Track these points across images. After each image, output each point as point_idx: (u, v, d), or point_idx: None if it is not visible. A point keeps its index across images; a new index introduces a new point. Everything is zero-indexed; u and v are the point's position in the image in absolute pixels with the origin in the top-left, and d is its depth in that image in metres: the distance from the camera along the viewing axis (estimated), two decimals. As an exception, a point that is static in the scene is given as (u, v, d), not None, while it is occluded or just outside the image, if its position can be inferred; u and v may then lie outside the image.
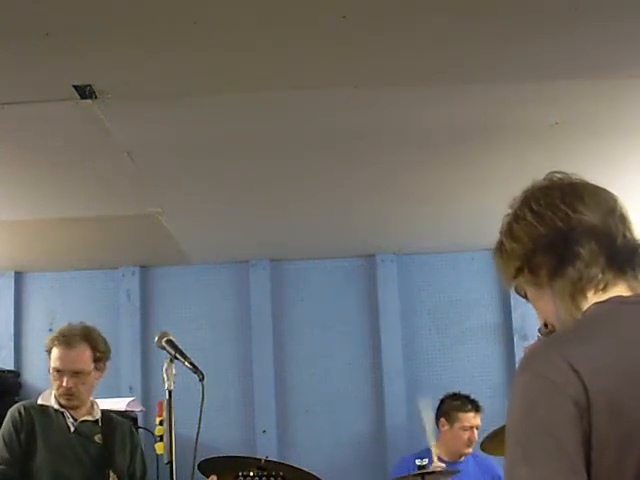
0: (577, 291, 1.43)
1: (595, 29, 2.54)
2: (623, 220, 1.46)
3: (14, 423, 3.22)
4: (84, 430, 3.29)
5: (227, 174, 3.80)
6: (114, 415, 3.54)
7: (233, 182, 3.92)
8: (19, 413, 3.24)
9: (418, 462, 3.77)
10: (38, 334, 5.21)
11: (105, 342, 3.39)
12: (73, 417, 3.29)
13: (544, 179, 1.55)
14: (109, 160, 3.50)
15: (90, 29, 2.42)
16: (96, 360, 3.31)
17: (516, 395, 1.33)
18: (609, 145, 3.48)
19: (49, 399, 3.31)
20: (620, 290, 1.42)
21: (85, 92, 2.80)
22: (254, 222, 4.57)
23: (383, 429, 5.08)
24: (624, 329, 1.36)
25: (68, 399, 3.26)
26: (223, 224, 4.61)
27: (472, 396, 4.55)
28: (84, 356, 3.27)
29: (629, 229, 1.46)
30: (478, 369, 5.14)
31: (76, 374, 3.24)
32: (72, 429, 3.27)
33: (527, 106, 3.12)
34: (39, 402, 3.33)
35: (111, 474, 3.23)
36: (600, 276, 1.41)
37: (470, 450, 4.44)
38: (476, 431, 4.45)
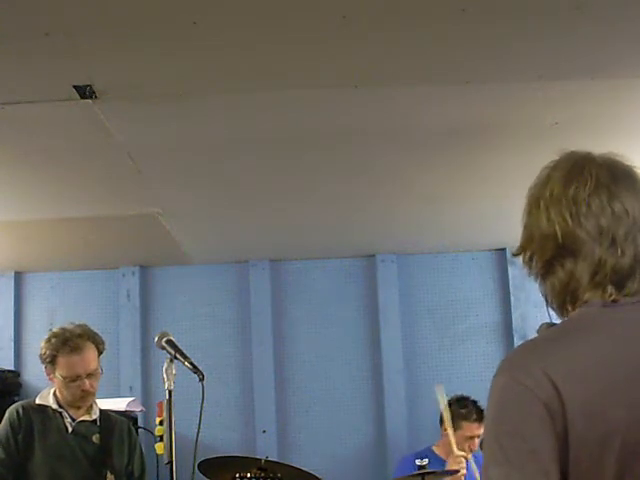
0: (558, 301, 1.46)
1: (595, 29, 2.54)
2: (638, 236, 1.42)
3: (12, 423, 3.22)
4: (82, 430, 3.29)
5: (227, 174, 3.80)
6: (113, 414, 3.54)
7: (233, 182, 3.92)
8: (17, 413, 3.25)
9: (418, 462, 3.78)
10: (38, 334, 5.20)
11: (102, 340, 3.40)
12: (71, 417, 3.29)
13: (580, 157, 1.51)
14: (109, 160, 3.50)
15: (90, 29, 2.42)
16: (99, 355, 3.34)
17: (491, 398, 1.36)
18: (609, 145, 3.47)
19: (47, 399, 3.31)
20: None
21: (85, 92, 2.80)
22: (254, 222, 4.57)
23: (383, 429, 5.08)
24: (603, 332, 1.37)
25: (87, 400, 3.28)
26: (223, 224, 4.61)
27: (478, 402, 4.52)
28: (93, 356, 3.29)
29: (638, 244, 1.41)
30: (478, 369, 5.13)
31: (90, 375, 3.26)
32: (70, 429, 3.27)
33: (527, 106, 3.12)
34: (37, 402, 3.32)
35: (108, 474, 3.23)
36: (580, 292, 1.41)
37: (469, 457, 4.43)
38: (477, 440, 4.44)
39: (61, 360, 3.23)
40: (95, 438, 3.30)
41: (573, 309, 1.44)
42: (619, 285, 1.40)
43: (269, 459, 3.65)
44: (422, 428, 4.77)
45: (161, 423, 2.67)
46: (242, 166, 3.69)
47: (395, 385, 5.10)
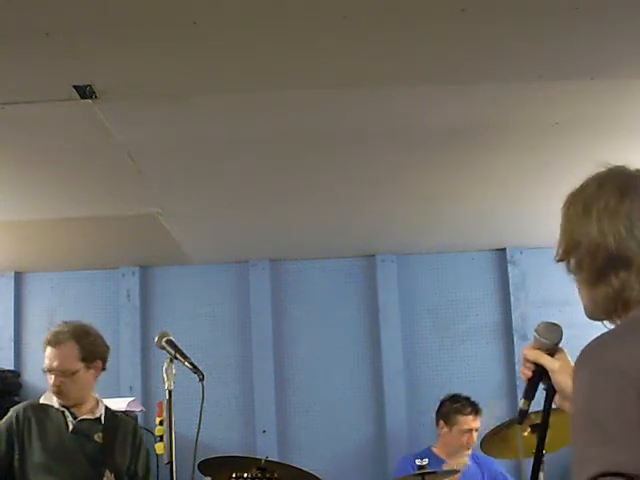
0: (609, 308, 1.51)
1: (595, 29, 2.54)
2: None
3: (8, 424, 3.22)
4: (82, 428, 3.26)
5: (227, 174, 3.80)
6: (120, 414, 3.52)
7: (233, 182, 3.92)
8: (17, 414, 3.25)
9: (418, 462, 3.78)
10: (38, 334, 5.19)
11: (97, 340, 3.35)
12: (73, 416, 3.27)
13: (630, 172, 1.55)
14: (109, 160, 3.50)
15: (90, 29, 2.42)
16: (84, 359, 3.27)
17: (581, 387, 1.38)
18: (609, 145, 3.48)
19: (51, 398, 3.31)
20: None
21: (85, 92, 2.80)
22: (254, 222, 4.57)
23: (383, 429, 5.08)
24: None
25: (59, 397, 3.27)
26: (223, 224, 4.61)
27: (472, 398, 4.54)
28: (70, 355, 3.25)
29: None
30: (478, 369, 5.14)
31: (62, 373, 3.23)
32: (70, 428, 3.25)
33: (527, 106, 3.12)
34: (41, 401, 3.32)
35: (107, 473, 3.20)
36: (634, 299, 1.46)
37: (468, 452, 4.43)
38: (475, 433, 4.45)
39: (45, 349, 3.28)
40: (97, 437, 3.27)
41: (625, 314, 1.49)
42: None
43: (269, 459, 3.66)
44: (422, 428, 4.77)
45: (161, 423, 2.67)
46: (242, 166, 3.69)
47: (395, 385, 5.10)
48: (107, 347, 3.40)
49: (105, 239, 4.71)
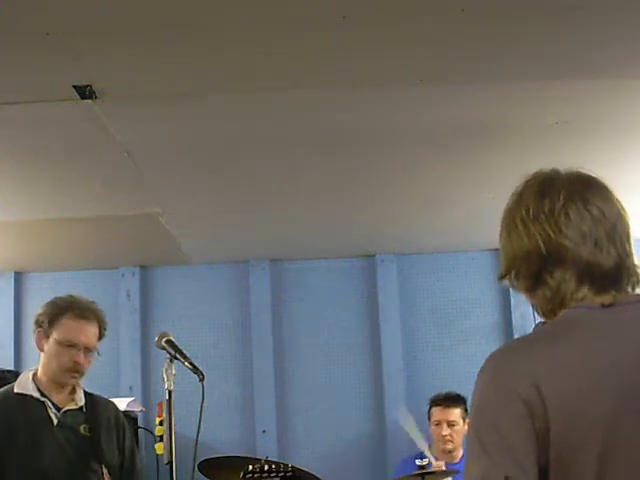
0: (549, 308, 1.49)
1: (595, 29, 2.54)
2: (618, 237, 1.46)
3: None
4: (68, 421, 2.96)
5: (227, 174, 3.80)
6: (97, 396, 3.18)
7: (233, 182, 3.92)
8: None
9: (418, 462, 3.78)
10: (38, 334, 5.22)
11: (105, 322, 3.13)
12: (56, 407, 2.95)
13: (547, 174, 1.56)
14: (109, 160, 3.50)
15: (90, 29, 2.42)
16: (99, 340, 3.05)
17: (474, 395, 1.42)
18: (609, 145, 3.48)
19: (27, 386, 2.96)
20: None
21: (85, 92, 2.80)
22: (254, 222, 4.57)
23: (383, 429, 5.08)
24: (587, 333, 1.40)
25: (74, 377, 2.97)
26: (223, 224, 4.61)
27: (454, 392, 4.54)
28: (95, 332, 3.02)
29: (622, 247, 1.46)
30: (478, 369, 5.10)
31: (87, 350, 2.97)
32: (55, 421, 2.93)
33: (527, 106, 3.12)
34: (16, 391, 2.95)
35: (97, 467, 2.94)
36: (569, 297, 1.45)
37: (446, 446, 4.39)
38: (447, 427, 4.41)
39: (64, 321, 2.95)
40: (83, 428, 2.98)
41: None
42: (606, 286, 1.44)
43: (269, 459, 3.66)
44: (422, 428, 4.76)
45: (161, 423, 2.67)
46: (242, 166, 3.69)
47: (395, 385, 5.10)
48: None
49: (105, 239, 4.71)
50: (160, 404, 2.71)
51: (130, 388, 5.07)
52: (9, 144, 3.30)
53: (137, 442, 3.35)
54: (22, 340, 5.22)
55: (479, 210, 4.40)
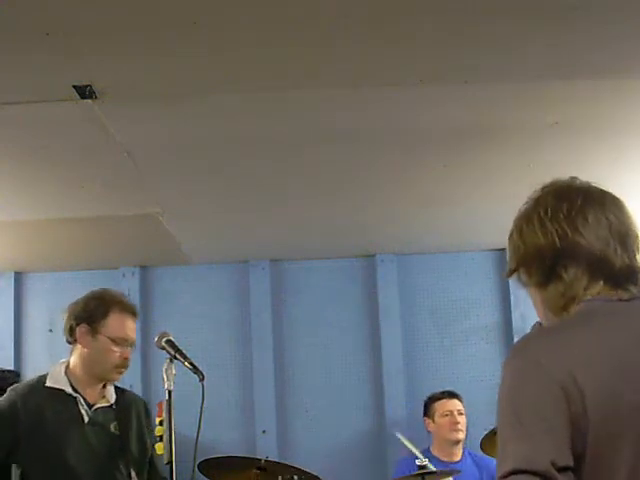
0: (560, 304, 1.52)
1: (595, 29, 2.54)
2: (630, 246, 1.50)
3: (11, 412, 2.78)
4: (99, 420, 2.90)
5: (227, 174, 3.80)
6: (128, 392, 3.15)
7: (233, 182, 3.92)
8: (21, 399, 2.82)
9: (418, 462, 3.78)
10: (38, 334, 5.22)
11: None
12: (87, 404, 2.89)
13: (565, 181, 1.60)
14: (109, 160, 3.50)
15: (90, 29, 2.42)
16: None
17: (506, 378, 1.41)
18: (609, 145, 3.48)
19: (60, 381, 2.89)
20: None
21: (85, 92, 2.80)
22: (254, 222, 4.57)
23: (383, 429, 5.08)
24: (610, 322, 1.44)
25: (120, 372, 2.94)
26: (223, 224, 4.62)
27: (455, 390, 4.62)
28: (135, 327, 3.01)
29: (634, 255, 1.50)
30: (478, 369, 5.13)
31: (132, 345, 2.96)
32: (86, 419, 2.87)
33: (527, 106, 3.12)
34: (48, 384, 2.88)
35: (131, 470, 2.90)
36: (582, 292, 1.49)
37: (459, 436, 4.44)
38: (458, 415, 4.49)
39: (114, 317, 2.90)
40: (113, 427, 2.92)
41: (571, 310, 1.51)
42: (621, 283, 1.48)
43: (269, 459, 3.66)
44: (422, 428, 4.76)
45: (161, 423, 2.66)
46: (242, 166, 3.69)
47: (395, 385, 5.10)
48: None
49: (105, 239, 4.71)
50: (160, 404, 2.71)
51: (130, 387, 5.06)
52: (9, 144, 3.30)
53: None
54: (22, 340, 5.22)
55: (479, 210, 4.40)
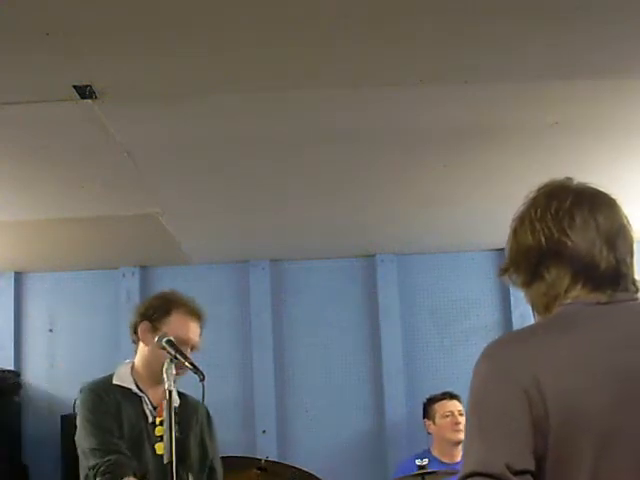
0: (543, 303, 1.55)
1: (595, 29, 2.54)
2: (619, 248, 1.50)
3: (102, 408, 2.77)
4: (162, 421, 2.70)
5: (227, 174, 3.80)
6: (190, 397, 3.02)
7: (233, 182, 3.92)
8: (101, 394, 2.81)
9: (418, 462, 3.78)
10: (38, 334, 5.22)
11: None
12: (152, 404, 2.86)
13: (559, 181, 1.60)
14: (109, 160, 3.50)
15: (90, 29, 2.42)
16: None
17: (474, 382, 1.45)
18: (609, 145, 3.48)
19: (126, 379, 2.88)
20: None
21: (85, 92, 2.80)
22: (254, 222, 4.57)
23: (383, 429, 5.08)
24: (584, 327, 1.45)
25: (178, 374, 2.71)
26: (223, 224, 4.62)
27: (455, 391, 4.59)
28: (199, 332, 2.98)
29: (622, 258, 1.50)
30: (478, 369, 5.13)
31: (193, 348, 2.91)
32: (150, 419, 2.84)
33: (527, 106, 3.12)
34: (115, 382, 2.88)
35: (190, 478, 2.82)
36: (563, 294, 1.50)
37: (460, 436, 4.43)
38: (459, 416, 4.48)
39: (177, 316, 2.88)
40: (175, 431, 2.79)
41: (552, 311, 1.53)
42: (601, 285, 1.49)
43: (269, 459, 3.66)
44: (422, 428, 4.76)
45: (161, 423, 2.66)
46: (242, 166, 3.69)
47: (395, 385, 5.10)
48: None
49: (105, 239, 4.71)
50: (160, 404, 2.71)
51: (130, 388, 5.07)
52: (9, 144, 3.30)
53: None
54: (22, 340, 5.22)
55: (479, 210, 4.40)
